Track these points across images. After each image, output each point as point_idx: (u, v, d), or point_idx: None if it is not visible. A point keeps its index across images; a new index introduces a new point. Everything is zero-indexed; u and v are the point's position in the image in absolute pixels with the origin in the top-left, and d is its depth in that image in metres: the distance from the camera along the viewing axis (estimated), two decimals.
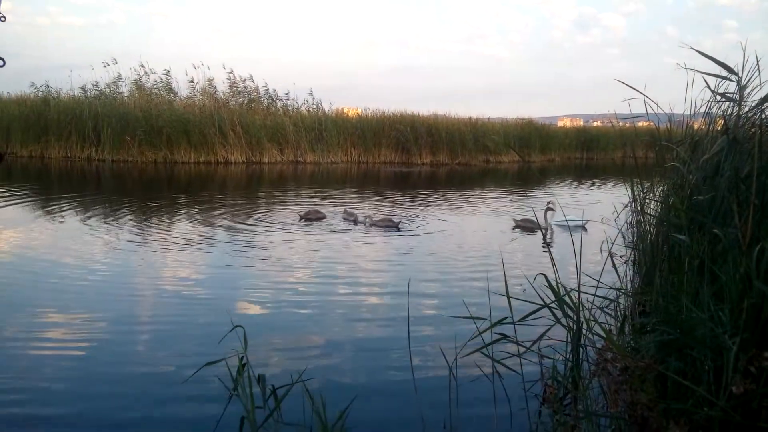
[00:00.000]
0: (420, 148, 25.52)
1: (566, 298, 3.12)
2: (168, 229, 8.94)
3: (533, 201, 13.91)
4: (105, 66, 24.38)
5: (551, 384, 2.82)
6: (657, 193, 5.16)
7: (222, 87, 25.04)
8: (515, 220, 10.05)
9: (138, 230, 8.74)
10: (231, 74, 25.01)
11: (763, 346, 1.87)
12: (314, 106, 26.56)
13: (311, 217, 10.09)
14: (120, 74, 24.36)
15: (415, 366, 3.83)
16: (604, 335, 2.75)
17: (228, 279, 6.26)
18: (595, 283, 3.58)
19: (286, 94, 26.18)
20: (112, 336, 4.54)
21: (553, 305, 3.16)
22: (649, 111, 4.37)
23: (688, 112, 4.84)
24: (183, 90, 24.82)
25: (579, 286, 3.21)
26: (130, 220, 9.57)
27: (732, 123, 4.08)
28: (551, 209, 9.68)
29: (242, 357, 2.85)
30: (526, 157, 27.98)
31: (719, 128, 4.30)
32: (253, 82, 25.48)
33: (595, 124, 36.62)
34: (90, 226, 8.93)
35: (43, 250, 7.26)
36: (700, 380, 2.28)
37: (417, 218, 10.69)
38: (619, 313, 3.85)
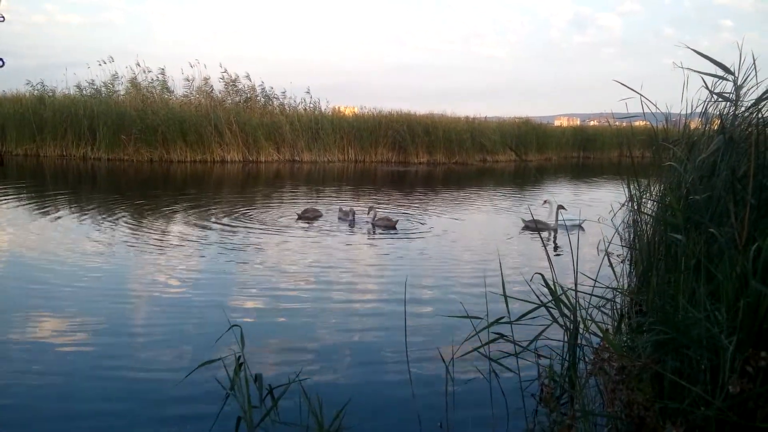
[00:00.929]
0: (417, 148, 25.53)
1: (563, 298, 3.12)
2: (163, 228, 8.92)
3: (530, 200, 13.93)
4: (101, 64, 24.34)
5: (548, 383, 2.82)
6: (654, 193, 5.17)
7: (218, 85, 25.03)
8: (524, 221, 9.87)
9: (133, 230, 8.71)
10: (225, 73, 24.96)
11: (760, 345, 1.87)
12: (311, 105, 26.58)
13: (309, 216, 10.08)
14: (117, 73, 24.34)
15: (411, 366, 3.83)
16: (601, 335, 2.76)
17: (224, 279, 6.25)
18: (592, 282, 3.59)
19: (283, 92, 26.19)
20: (107, 335, 4.52)
21: (550, 305, 3.16)
22: (646, 110, 4.38)
23: (685, 112, 4.85)
24: (179, 89, 24.80)
25: (576, 286, 3.21)
26: (125, 219, 9.54)
27: (728, 122, 4.09)
28: (563, 207, 9.64)
29: (239, 357, 2.85)
30: (523, 157, 28.02)
31: (716, 128, 4.31)
32: (249, 80, 25.47)
33: (592, 123, 36.69)
34: (85, 225, 8.91)
35: (38, 250, 7.23)
36: (697, 380, 2.28)
37: (414, 218, 10.69)
38: (615, 312, 3.86)
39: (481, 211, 12.24)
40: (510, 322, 3.14)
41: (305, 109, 26.18)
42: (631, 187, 5.04)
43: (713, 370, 2.22)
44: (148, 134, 20.90)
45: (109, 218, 9.52)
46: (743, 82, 4.12)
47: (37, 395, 3.53)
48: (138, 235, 8.34)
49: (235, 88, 25.18)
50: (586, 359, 3.03)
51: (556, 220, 9.47)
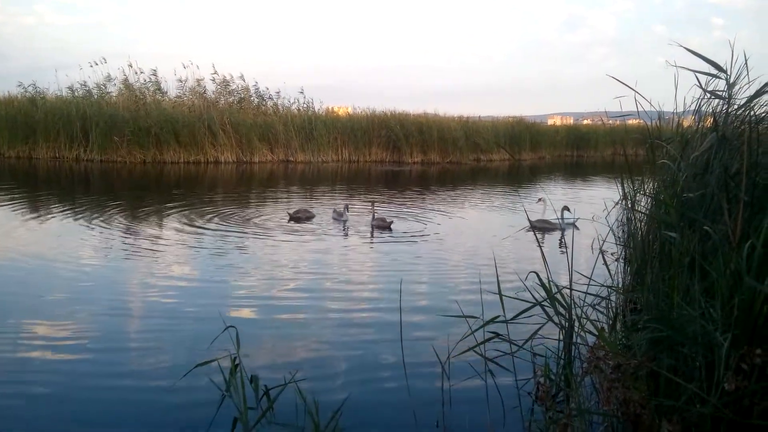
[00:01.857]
0: (411, 147, 25.54)
1: (558, 296, 3.12)
2: (156, 230, 8.89)
3: (525, 199, 13.95)
4: (92, 66, 24.26)
5: (543, 382, 2.82)
6: (647, 191, 5.18)
7: (211, 86, 24.97)
8: (530, 221, 9.76)
9: (126, 232, 8.68)
10: (215, 74, 24.90)
11: (755, 342, 1.88)
12: (304, 105, 26.55)
13: (300, 216, 10.05)
14: (110, 74, 24.25)
15: (407, 365, 3.82)
16: (597, 333, 2.76)
17: (218, 281, 6.23)
18: (586, 280, 3.59)
19: (278, 92, 26.16)
20: (101, 338, 4.50)
21: (545, 303, 3.17)
22: (639, 109, 4.39)
23: (678, 110, 4.87)
24: (172, 90, 24.72)
25: (571, 284, 3.22)
26: (118, 221, 9.50)
27: (721, 120, 4.11)
28: (567, 209, 9.61)
29: (235, 358, 2.84)
30: (516, 156, 28.05)
31: (709, 126, 4.32)
32: (243, 81, 25.42)
33: (585, 122, 36.84)
34: (78, 227, 8.86)
35: (31, 252, 7.19)
36: (692, 377, 2.29)
37: (409, 218, 10.69)
38: (611, 310, 3.86)
39: (476, 210, 12.25)
40: (505, 321, 3.15)
41: (299, 110, 26.17)
42: (625, 185, 5.04)
43: (708, 367, 2.22)
44: (140, 135, 20.82)
45: (102, 220, 9.48)
46: (736, 80, 4.14)
47: (31, 400, 3.51)
48: (131, 237, 8.31)
49: (228, 89, 25.13)
50: (582, 357, 3.04)
51: (562, 219, 9.40)
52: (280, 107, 25.94)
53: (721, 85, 4.21)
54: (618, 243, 5.47)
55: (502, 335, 3.18)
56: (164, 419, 3.33)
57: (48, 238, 8.04)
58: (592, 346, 2.47)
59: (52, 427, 3.24)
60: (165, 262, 6.86)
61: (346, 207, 9.96)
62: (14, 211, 10.33)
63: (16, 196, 12.29)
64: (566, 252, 3.31)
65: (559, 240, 8.80)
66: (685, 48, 4.00)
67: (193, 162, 21.31)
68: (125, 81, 23.96)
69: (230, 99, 25.07)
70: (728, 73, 4.06)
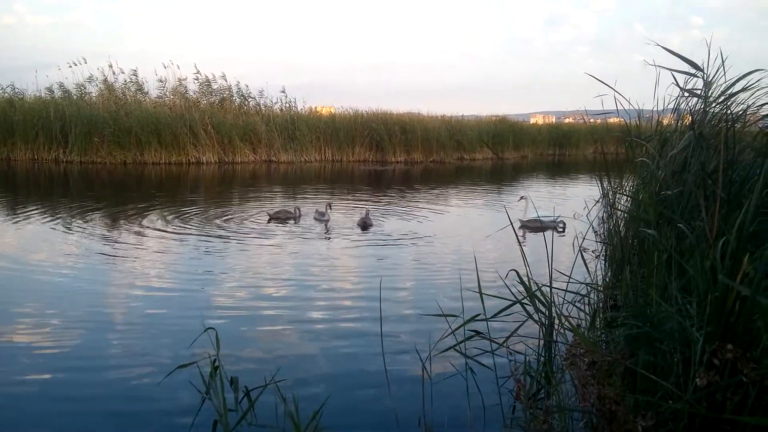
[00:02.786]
0: (394, 146, 25.55)
1: (538, 294, 3.13)
2: (136, 232, 8.79)
3: (508, 197, 14.01)
4: (71, 66, 23.94)
5: (523, 380, 2.83)
6: (627, 189, 5.23)
7: (193, 86, 24.77)
8: (521, 221, 9.78)
9: (106, 234, 8.59)
10: (198, 74, 24.71)
11: (727, 339, 1.90)
12: (286, 105, 26.44)
13: (281, 217, 10.00)
14: (92, 75, 23.96)
15: (388, 365, 3.81)
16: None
17: (198, 282, 6.17)
18: (566, 278, 3.61)
19: (261, 92, 26.00)
20: (81, 340, 4.45)
21: (525, 301, 3.18)
22: (619, 107, 4.43)
23: (658, 108, 4.92)
24: (153, 90, 24.49)
25: (551, 282, 3.23)
26: (98, 222, 9.40)
27: (698, 119, 4.16)
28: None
29: (214, 359, 2.81)
30: (499, 154, 28.19)
31: (687, 124, 4.37)
32: (225, 80, 25.25)
33: (567, 120, 37.09)
34: (57, 229, 8.75)
35: (9, 254, 7.09)
36: (670, 373, 2.31)
37: (391, 217, 10.69)
38: (590, 307, 3.89)
39: (458, 209, 12.28)
40: (486, 320, 3.15)
41: (281, 109, 26.06)
42: (605, 183, 5.09)
43: (685, 363, 2.24)
44: (121, 136, 20.60)
45: (83, 222, 9.37)
46: (713, 79, 4.19)
47: (12, 400, 3.46)
48: (111, 239, 8.22)
49: (209, 89, 24.94)
50: (562, 355, 3.05)
51: (555, 218, 9.43)
52: (262, 107, 25.82)
53: (699, 84, 4.26)
54: (598, 241, 5.51)
55: (482, 333, 3.19)
56: (143, 422, 3.30)
57: (24, 242, 7.92)
58: (571, 343, 2.48)
59: (30, 427, 3.20)
60: (144, 265, 6.80)
61: (329, 206, 9.96)
62: None
63: None
64: (546, 250, 3.32)
65: (544, 238, 8.83)
66: (662, 47, 4.05)
67: (175, 163, 21.13)
68: (105, 81, 23.70)
69: (212, 99, 24.88)
70: (705, 71, 4.12)
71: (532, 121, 41.77)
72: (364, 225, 9.44)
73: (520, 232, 9.30)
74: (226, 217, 10.13)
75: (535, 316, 3.14)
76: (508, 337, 3.16)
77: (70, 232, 8.53)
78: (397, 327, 4.77)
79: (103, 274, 6.47)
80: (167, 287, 5.90)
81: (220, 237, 8.44)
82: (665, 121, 5.12)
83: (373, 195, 14.21)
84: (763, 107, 4.25)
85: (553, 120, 40.28)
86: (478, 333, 3.19)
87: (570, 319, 3.22)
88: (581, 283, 3.82)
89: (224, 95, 25.11)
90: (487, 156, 28.06)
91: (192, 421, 3.00)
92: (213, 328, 3.01)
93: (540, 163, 28.18)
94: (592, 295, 4.03)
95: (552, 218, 9.55)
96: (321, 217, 9.90)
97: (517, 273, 3.24)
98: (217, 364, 2.78)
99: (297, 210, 10.19)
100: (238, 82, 25.52)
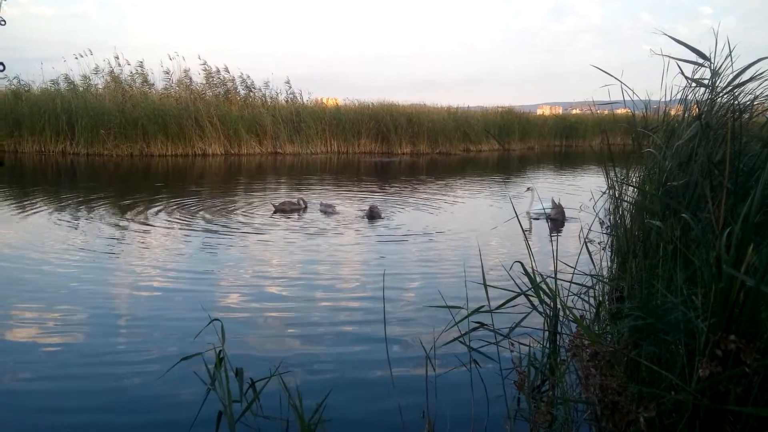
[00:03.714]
0: (400, 138, 25.51)
1: (543, 285, 3.12)
2: (142, 224, 8.82)
3: (514, 188, 13.97)
4: (77, 58, 23.97)
5: (526, 371, 2.83)
6: (633, 180, 5.20)
7: (198, 78, 24.77)
8: (528, 213, 9.74)
9: (112, 226, 8.62)
10: (205, 65, 24.69)
11: (731, 330, 1.88)
12: (291, 96, 26.41)
13: (285, 209, 10.00)
14: (97, 66, 24.00)
15: (392, 356, 3.82)
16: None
17: (203, 274, 6.19)
18: (571, 269, 3.59)
19: (266, 83, 25.97)
20: (86, 331, 4.47)
21: (530, 293, 3.17)
22: (626, 98, 4.40)
23: (665, 99, 4.88)
24: (159, 82, 24.50)
25: (556, 273, 3.22)
26: (104, 216, 9.43)
27: (705, 109, 4.12)
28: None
29: (219, 351, 2.82)
30: (506, 146, 28.10)
31: (694, 114, 4.33)
32: (228, 72, 25.23)
33: (574, 111, 36.86)
34: (63, 221, 8.79)
35: (16, 246, 7.13)
36: (674, 364, 2.30)
37: (397, 208, 10.68)
38: (596, 299, 3.88)
39: (465, 200, 12.26)
40: (490, 311, 3.14)
41: (286, 101, 26.03)
42: (611, 174, 5.06)
43: (690, 354, 2.23)
44: (127, 128, 20.65)
45: (89, 214, 9.41)
46: (720, 69, 4.15)
47: (16, 393, 3.49)
48: (117, 231, 8.25)
49: (214, 81, 24.93)
50: (566, 346, 3.05)
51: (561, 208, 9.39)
52: (267, 99, 25.80)
53: (707, 74, 4.22)
54: (604, 232, 5.49)
55: (486, 325, 3.18)
56: (149, 413, 3.32)
57: (31, 234, 7.96)
58: (574, 334, 2.48)
59: (36, 421, 3.22)
60: (150, 257, 6.82)
61: (325, 204, 9.99)
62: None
63: (1, 191, 12.17)
64: (551, 241, 3.31)
65: (549, 230, 8.79)
66: (670, 36, 4.01)
67: (181, 155, 21.18)
68: (111, 73, 23.71)
69: (217, 91, 24.88)
70: (713, 61, 4.08)
71: (539, 112, 41.53)
72: (372, 216, 9.43)
73: (525, 224, 9.28)
74: (231, 209, 10.15)
75: (540, 308, 3.13)
76: (512, 329, 3.15)
77: (77, 224, 8.57)
78: (401, 318, 4.77)
79: (108, 266, 6.49)
80: (172, 279, 5.92)
81: (225, 229, 8.46)
82: (672, 112, 5.08)
83: (380, 187, 14.20)
84: None
85: (560, 111, 40.03)
86: (482, 324, 3.18)
87: (574, 310, 3.21)
88: (586, 274, 3.80)
89: (229, 87, 25.10)
90: (494, 147, 27.97)
91: (197, 411, 3.01)
92: (218, 320, 3.02)
93: (547, 155, 28.07)
94: (597, 287, 4.01)
95: (553, 208, 9.49)
96: (327, 209, 9.90)
97: (522, 265, 3.23)
98: (222, 355, 2.79)
99: (302, 201, 10.21)
100: (242, 74, 25.54)
